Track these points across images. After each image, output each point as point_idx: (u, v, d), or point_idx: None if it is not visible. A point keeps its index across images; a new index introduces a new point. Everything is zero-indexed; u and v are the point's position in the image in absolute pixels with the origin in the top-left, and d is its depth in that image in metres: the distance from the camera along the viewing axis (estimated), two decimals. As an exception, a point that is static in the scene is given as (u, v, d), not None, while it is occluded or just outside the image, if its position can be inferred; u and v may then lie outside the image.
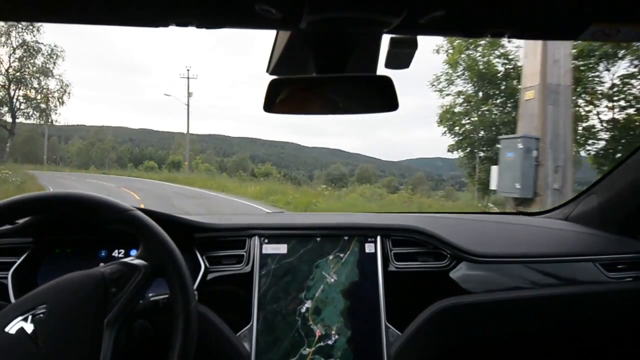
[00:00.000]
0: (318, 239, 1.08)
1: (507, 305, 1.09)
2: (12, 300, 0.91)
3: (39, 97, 26.50)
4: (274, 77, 0.66)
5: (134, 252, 1.04)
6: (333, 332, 1.02)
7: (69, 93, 27.01)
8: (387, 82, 0.65)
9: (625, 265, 1.16)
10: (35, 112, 27.12)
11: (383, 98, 0.68)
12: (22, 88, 26.43)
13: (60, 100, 26.92)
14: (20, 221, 1.00)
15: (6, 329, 0.64)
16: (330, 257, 1.07)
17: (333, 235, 1.08)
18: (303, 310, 1.03)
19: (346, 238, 1.09)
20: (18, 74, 25.77)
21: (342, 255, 1.07)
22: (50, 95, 26.74)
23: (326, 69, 0.64)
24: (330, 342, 1.01)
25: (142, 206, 0.95)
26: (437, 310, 1.04)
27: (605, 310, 1.16)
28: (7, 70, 25.48)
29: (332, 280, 1.05)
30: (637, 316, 1.16)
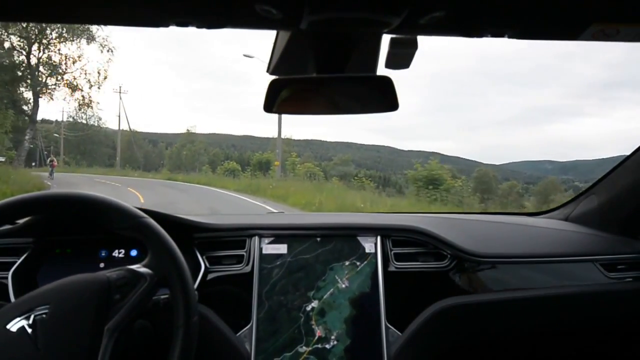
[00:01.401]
0: (318, 239, 1.08)
1: (507, 305, 1.09)
2: (12, 300, 0.91)
3: (66, 66, 18.74)
4: (274, 77, 0.66)
5: (134, 253, 1.04)
6: (333, 336, 1.02)
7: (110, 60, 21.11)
8: (387, 82, 0.65)
9: (626, 266, 1.16)
10: (66, 90, 19.12)
11: (383, 98, 0.68)
12: (44, 51, 18.13)
13: (102, 75, 19.55)
14: (21, 221, 1.00)
15: (7, 326, 0.64)
16: (347, 262, 1.06)
17: (333, 236, 1.09)
18: (308, 308, 1.03)
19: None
20: (44, 38, 18.03)
21: (358, 263, 1.07)
22: (84, 68, 19.34)
23: (326, 69, 0.64)
24: (327, 346, 1.01)
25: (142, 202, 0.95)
26: (437, 310, 1.04)
27: (605, 310, 1.16)
28: (25, 28, 17.43)
29: (344, 286, 1.05)
30: (637, 316, 1.16)
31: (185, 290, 0.73)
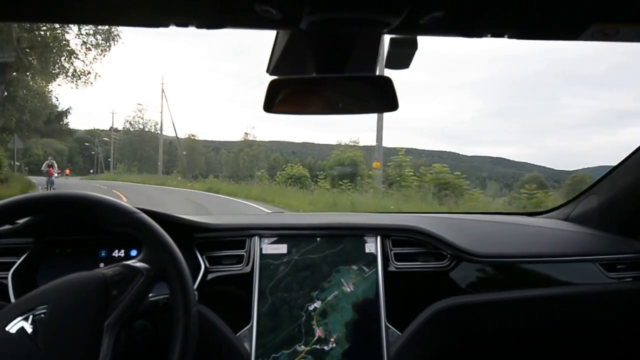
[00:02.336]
0: (318, 239, 1.08)
1: (507, 305, 1.09)
2: (12, 300, 0.91)
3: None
4: (274, 77, 0.66)
5: (134, 252, 1.04)
6: (332, 339, 1.01)
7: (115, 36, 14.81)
8: (387, 82, 0.65)
9: (625, 266, 1.16)
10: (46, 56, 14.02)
11: (383, 98, 0.68)
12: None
13: (106, 47, 14.83)
14: (21, 221, 1.00)
15: (7, 328, 0.64)
16: (354, 267, 1.06)
17: (333, 236, 1.08)
18: (311, 308, 1.03)
19: (368, 251, 1.08)
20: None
21: (366, 269, 1.06)
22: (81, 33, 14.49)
23: (326, 69, 0.64)
24: (326, 348, 1.01)
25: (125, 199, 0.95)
26: (437, 310, 1.04)
27: (605, 310, 1.16)
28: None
29: (349, 289, 1.04)
30: (637, 316, 1.16)
31: (182, 281, 0.73)
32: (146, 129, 42.00)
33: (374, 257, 1.07)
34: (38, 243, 1.02)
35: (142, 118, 41.93)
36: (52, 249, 1.03)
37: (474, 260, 1.09)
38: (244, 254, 1.06)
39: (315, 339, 1.01)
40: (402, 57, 0.66)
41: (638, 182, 1.18)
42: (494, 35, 0.54)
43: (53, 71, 15.02)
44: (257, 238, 1.07)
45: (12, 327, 0.64)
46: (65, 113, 24.49)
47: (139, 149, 40.83)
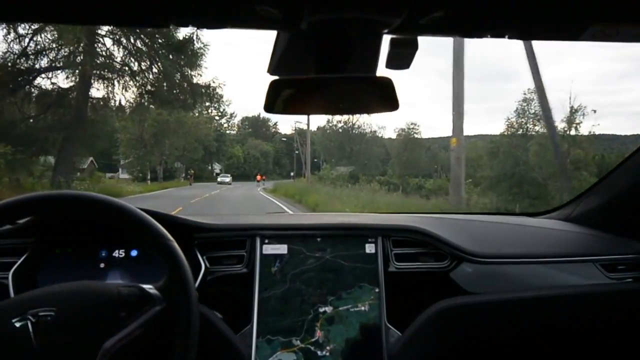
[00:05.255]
0: (319, 239, 1.08)
1: (507, 305, 1.09)
2: None
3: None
4: (275, 77, 0.66)
5: (134, 253, 1.04)
6: (328, 347, 1.00)
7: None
8: (388, 82, 0.65)
9: (626, 266, 1.16)
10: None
11: (383, 98, 0.68)
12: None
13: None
14: (21, 221, 1.00)
15: (13, 320, 0.65)
16: (377, 289, 1.04)
17: (333, 236, 1.08)
18: (321, 310, 1.02)
19: (368, 252, 1.07)
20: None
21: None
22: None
23: (327, 70, 0.64)
24: (319, 352, 1.00)
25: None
26: (437, 310, 1.04)
27: (605, 310, 1.16)
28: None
29: (363, 309, 1.03)
30: (637, 316, 1.16)
31: (189, 326, 0.73)
32: (363, 130, 36.99)
33: (374, 257, 1.07)
34: (38, 243, 1.02)
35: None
36: (52, 249, 1.03)
37: (474, 261, 1.09)
38: (245, 254, 1.06)
39: (313, 340, 1.01)
40: (402, 57, 0.66)
41: (638, 182, 1.18)
42: (493, 36, 0.54)
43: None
44: (257, 238, 1.07)
45: (18, 322, 0.65)
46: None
47: (347, 145, 35.77)
